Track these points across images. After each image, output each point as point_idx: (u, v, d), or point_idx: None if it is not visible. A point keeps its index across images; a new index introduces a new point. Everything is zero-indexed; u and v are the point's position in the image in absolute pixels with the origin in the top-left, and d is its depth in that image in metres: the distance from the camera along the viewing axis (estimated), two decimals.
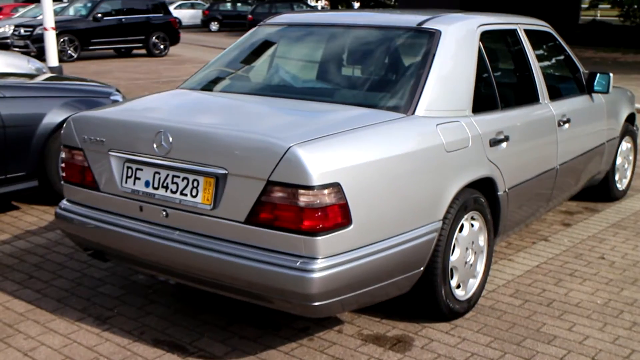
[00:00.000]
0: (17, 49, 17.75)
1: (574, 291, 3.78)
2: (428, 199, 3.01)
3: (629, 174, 5.71)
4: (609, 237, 4.69)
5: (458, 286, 3.38)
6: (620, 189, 5.58)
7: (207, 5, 34.91)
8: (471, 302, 3.45)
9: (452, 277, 3.30)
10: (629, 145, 5.61)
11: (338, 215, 2.64)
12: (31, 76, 6.60)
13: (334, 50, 3.76)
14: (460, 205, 3.20)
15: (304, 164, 2.56)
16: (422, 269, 3.08)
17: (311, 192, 2.58)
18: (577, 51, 20.85)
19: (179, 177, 2.90)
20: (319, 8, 41.62)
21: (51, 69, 9.80)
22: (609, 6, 26.69)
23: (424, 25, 3.49)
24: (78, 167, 3.27)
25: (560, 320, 3.43)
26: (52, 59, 9.96)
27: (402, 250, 2.91)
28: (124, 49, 19.74)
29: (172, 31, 20.20)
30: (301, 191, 2.58)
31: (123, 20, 18.88)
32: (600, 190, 5.43)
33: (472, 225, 3.41)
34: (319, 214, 2.60)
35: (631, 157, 5.70)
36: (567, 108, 4.37)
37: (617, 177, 5.48)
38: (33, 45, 17.56)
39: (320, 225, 2.61)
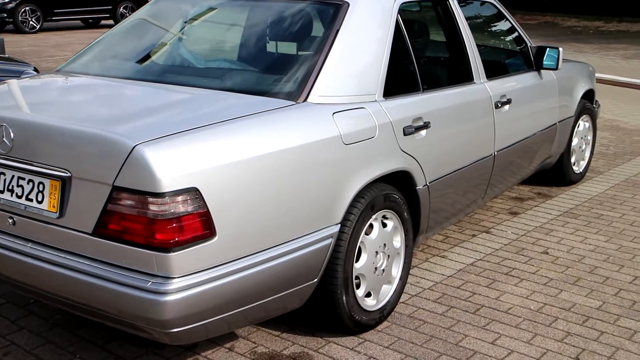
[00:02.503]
0: None
1: (506, 294, 3.40)
2: (320, 200, 2.61)
3: (587, 155, 5.32)
4: (558, 228, 4.31)
5: (369, 294, 2.99)
6: (578, 172, 5.20)
7: None
8: (385, 312, 3.06)
9: (358, 286, 2.91)
10: (587, 124, 5.21)
11: (197, 226, 2.23)
12: None
13: (229, 26, 3.32)
14: (366, 205, 2.81)
15: (151, 166, 2.15)
16: (316, 280, 2.69)
17: (161, 199, 2.17)
18: (559, 19, 20.56)
19: (24, 179, 2.49)
20: None
21: None
22: None
23: None
24: None
25: (485, 331, 3.05)
26: None
27: (287, 261, 2.51)
28: (91, 20, 19.13)
29: (141, 0, 19.55)
30: (150, 199, 2.17)
31: None
32: (555, 174, 5.04)
33: (385, 225, 3.02)
34: (173, 225, 2.19)
35: (590, 137, 5.30)
36: (508, 87, 3.95)
37: (573, 160, 5.09)
38: None
39: (175, 239, 2.20)
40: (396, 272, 3.12)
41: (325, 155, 2.61)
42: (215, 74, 3.05)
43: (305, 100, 2.68)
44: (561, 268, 3.72)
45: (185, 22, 3.46)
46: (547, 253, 3.92)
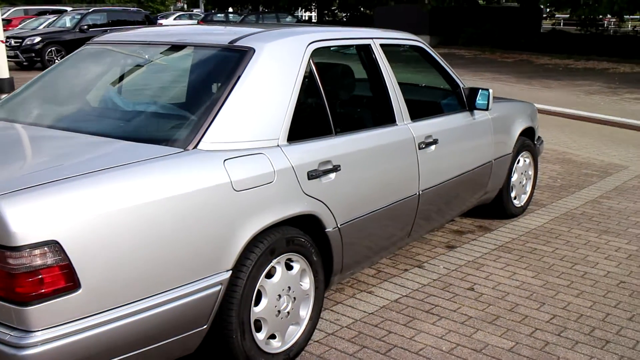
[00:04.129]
0: (8, 59, 17.16)
1: (422, 334, 3.09)
2: (205, 247, 2.33)
3: (528, 189, 5.01)
4: (489, 263, 4.00)
5: (273, 336, 2.70)
6: (519, 205, 4.88)
7: (202, 16, 34.11)
8: (291, 354, 2.77)
9: (260, 329, 2.63)
10: (528, 160, 4.91)
11: (58, 279, 1.97)
12: None
13: (137, 73, 3.06)
14: (265, 250, 2.53)
15: (6, 219, 1.89)
16: (206, 326, 2.41)
17: (18, 253, 1.91)
18: (534, 58, 20.25)
19: None
20: (305, 18, 40.87)
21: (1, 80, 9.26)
22: (567, 16, 25.87)
23: (237, 43, 2.80)
24: None
25: None
26: (3, 70, 9.43)
27: (168, 309, 2.23)
28: None
29: None
30: (7, 252, 1.91)
31: (108, 31, 18.17)
32: (495, 208, 4.74)
33: (291, 268, 2.74)
34: (33, 278, 1.93)
35: (531, 172, 4.99)
36: (435, 128, 3.66)
37: (513, 194, 4.79)
38: (22, 55, 17.01)
39: (39, 291, 1.94)
40: (306, 312, 2.83)
41: (211, 203, 2.33)
42: (113, 121, 2.79)
43: (195, 147, 2.40)
44: (483, 305, 3.41)
45: (95, 69, 3.21)
46: (472, 289, 3.61)
